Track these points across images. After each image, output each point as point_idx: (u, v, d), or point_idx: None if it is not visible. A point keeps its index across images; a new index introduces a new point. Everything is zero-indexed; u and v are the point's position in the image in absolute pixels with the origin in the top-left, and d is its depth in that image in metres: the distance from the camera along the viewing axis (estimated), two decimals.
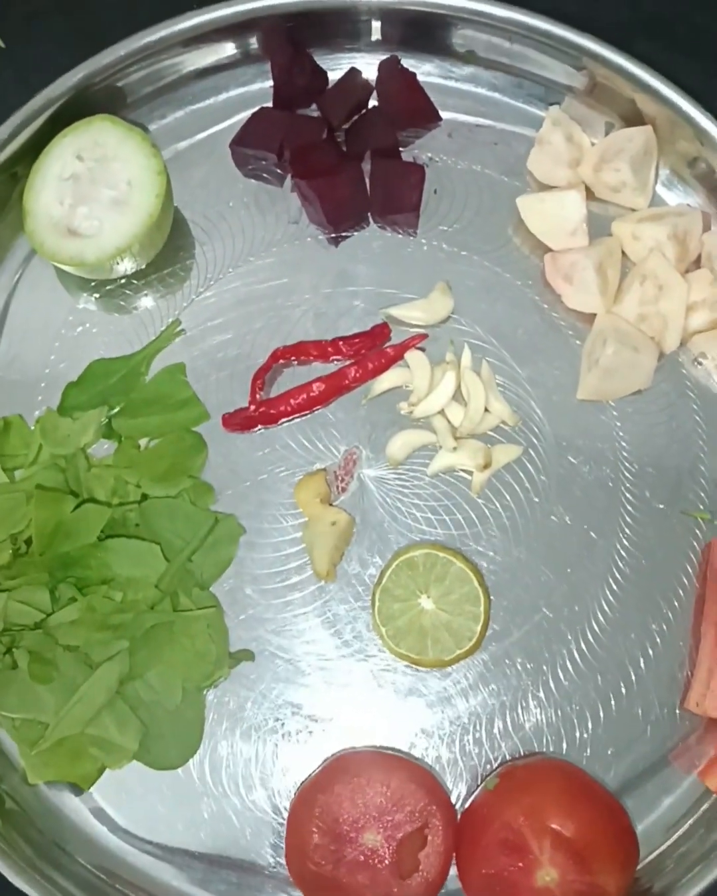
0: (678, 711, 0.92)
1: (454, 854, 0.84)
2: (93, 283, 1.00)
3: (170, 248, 1.00)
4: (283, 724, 0.92)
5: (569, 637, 0.93)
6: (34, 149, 0.95)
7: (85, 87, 0.97)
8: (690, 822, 0.89)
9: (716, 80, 1.01)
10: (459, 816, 0.86)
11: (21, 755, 0.90)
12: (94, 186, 0.93)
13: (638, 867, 0.87)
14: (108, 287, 1.00)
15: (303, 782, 0.89)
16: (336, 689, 0.92)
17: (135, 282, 1.00)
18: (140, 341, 0.99)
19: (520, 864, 0.79)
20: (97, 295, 1.00)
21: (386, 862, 0.82)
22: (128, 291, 1.00)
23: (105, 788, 0.92)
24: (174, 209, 1.00)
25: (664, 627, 0.93)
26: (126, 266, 0.96)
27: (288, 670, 0.93)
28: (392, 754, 0.88)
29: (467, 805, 0.88)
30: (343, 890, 0.82)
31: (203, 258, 1.01)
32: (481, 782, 0.89)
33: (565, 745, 0.91)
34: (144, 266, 0.98)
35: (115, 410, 0.97)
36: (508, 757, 0.90)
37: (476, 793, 0.88)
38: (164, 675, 0.90)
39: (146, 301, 1.00)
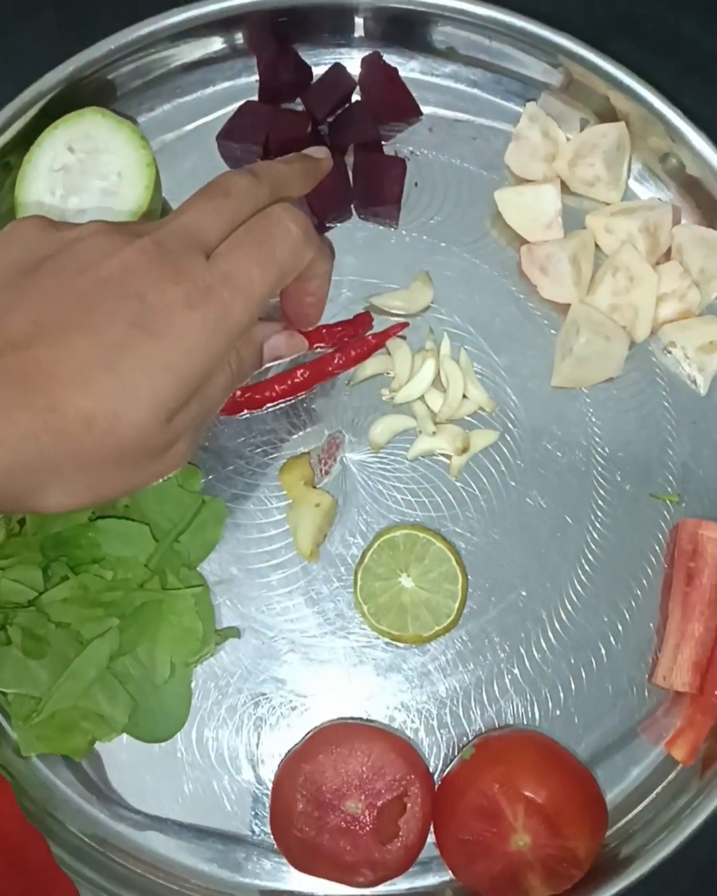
0: (646, 685, 0.96)
1: (432, 821, 0.88)
2: None
3: None
4: (267, 699, 0.95)
5: (543, 615, 0.97)
6: (25, 140, 0.97)
7: (76, 79, 0.99)
8: (657, 790, 0.93)
9: (687, 78, 1.04)
10: (437, 785, 0.90)
11: (14, 728, 0.93)
12: (85, 177, 0.96)
13: (608, 833, 0.91)
14: None
15: (287, 753, 0.92)
16: (319, 665, 0.96)
17: None
18: None
19: (494, 830, 0.83)
20: None
21: (367, 828, 0.85)
22: None
23: (95, 761, 0.95)
24: (162, 200, 1.03)
25: (634, 605, 0.97)
26: None
27: (272, 647, 0.96)
28: (373, 726, 0.92)
29: (444, 774, 0.92)
30: (326, 855, 0.85)
31: None
32: (458, 753, 0.93)
33: (538, 718, 0.95)
34: None
35: None
36: (483, 729, 0.94)
37: (453, 763, 0.92)
38: (153, 651, 0.94)
39: None
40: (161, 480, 0.74)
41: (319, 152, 0.83)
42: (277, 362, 0.78)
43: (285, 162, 0.78)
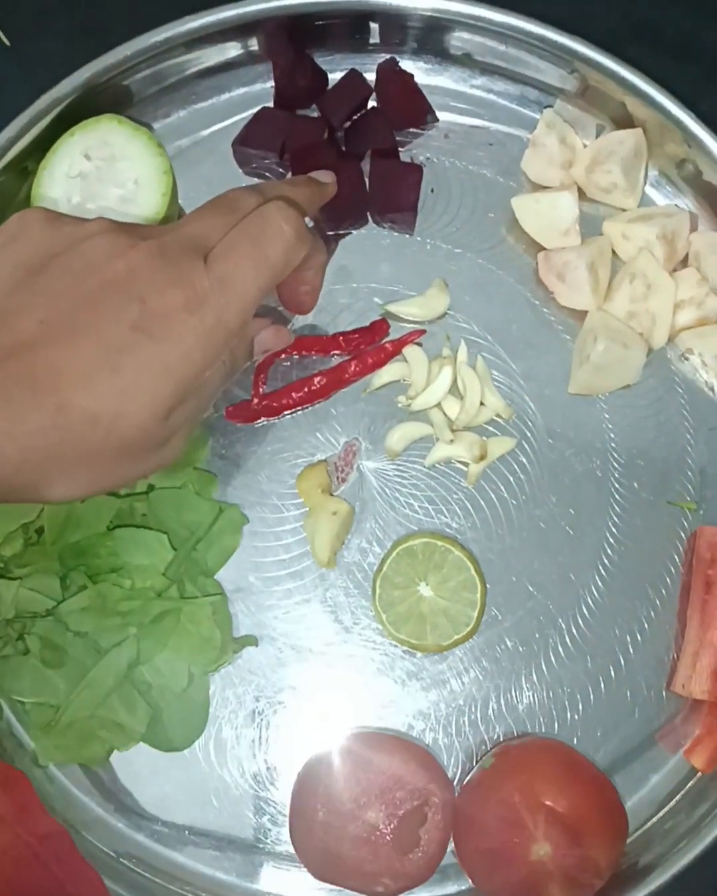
0: (664, 693, 0.96)
1: (452, 830, 0.87)
2: None
3: None
4: (285, 707, 0.95)
5: (560, 622, 0.96)
6: (42, 145, 0.97)
7: (92, 86, 0.98)
8: (676, 798, 0.93)
9: (704, 85, 1.04)
10: (456, 794, 0.90)
11: (31, 738, 0.93)
12: (102, 185, 0.95)
13: (627, 842, 0.91)
14: None
15: (306, 763, 0.92)
16: (337, 673, 0.96)
17: None
18: None
19: (515, 839, 0.83)
20: None
21: (388, 838, 0.85)
22: None
23: (114, 770, 0.95)
24: (180, 206, 1.03)
25: (652, 613, 0.97)
26: None
27: (290, 655, 0.96)
28: (392, 735, 0.92)
29: (464, 783, 0.92)
30: (347, 865, 0.85)
31: None
32: (477, 762, 0.93)
33: (556, 726, 0.95)
34: None
35: None
36: (502, 737, 0.94)
37: (473, 772, 0.92)
38: (170, 659, 0.93)
39: None
40: (163, 472, 0.78)
41: (326, 176, 0.86)
42: (264, 353, 0.81)
43: (292, 184, 0.80)
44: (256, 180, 1.04)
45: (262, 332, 0.80)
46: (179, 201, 1.03)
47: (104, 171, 0.96)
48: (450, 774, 0.92)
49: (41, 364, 0.60)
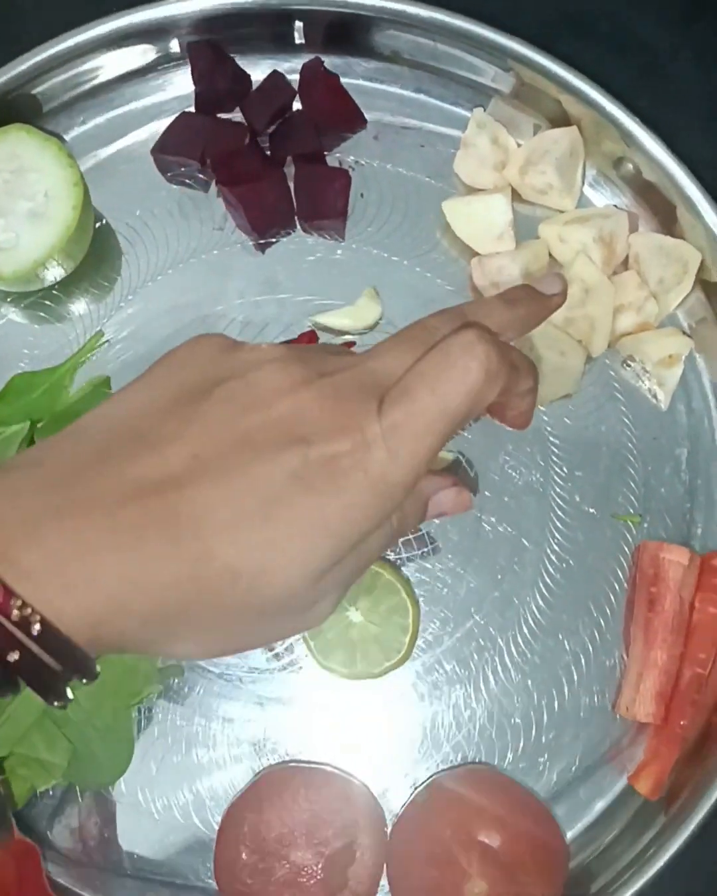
0: (611, 714, 0.92)
1: (385, 867, 0.83)
2: (13, 295, 0.98)
3: (93, 257, 0.98)
4: (214, 740, 0.91)
5: (501, 644, 0.93)
6: None
7: (1, 96, 0.94)
8: (621, 825, 0.89)
9: (641, 79, 1.00)
10: (390, 829, 0.86)
11: None
12: (11, 198, 0.91)
13: (570, 872, 0.87)
14: (29, 298, 0.98)
15: (232, 800, 0.88)
16: (268, 703, 0.92)
17: (56, 293, 0.98)
18: (64, 353, 0.97)
19: (449, 878, 0.79)
20: (18, 306, 0.98)
21: (316, 879, 0.81)
22: (50, 302, 0.98)
23: (35, 808, 0.91)
24: (99, 217, 0.99)
25: (596, 632, 0.93)
26: (49, 276, 0.94)
27: (219, 685, 0.92)
28: (321, 769, 0.88)
29: (397, 817, 0.87)
30: None
31: (127, 267, 0.99)
32: (413, 793, 0.89)
33: (497, 753, 0.91)
34: (64, 276, 0.96)
35: (39, 425, 0.95)
36: (440, 766, 0.90)
37: (405, 805, 0.88)
38: (92, 693, 0.89)
39: (69, 311, 0.98)
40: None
41: (554, 285, 0.69)
42: (439, 516, 0.71)
43: (509, 303, 0.64)
44: (178, 188, 1.00)
45: (440, 493, 0.72)
46: (102, 211, 0.99)
47: (13, 184, 0.91)
48: (386, 807, 0.88)
49: (186, 505, 0.52)
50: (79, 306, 0.99)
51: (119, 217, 1.00)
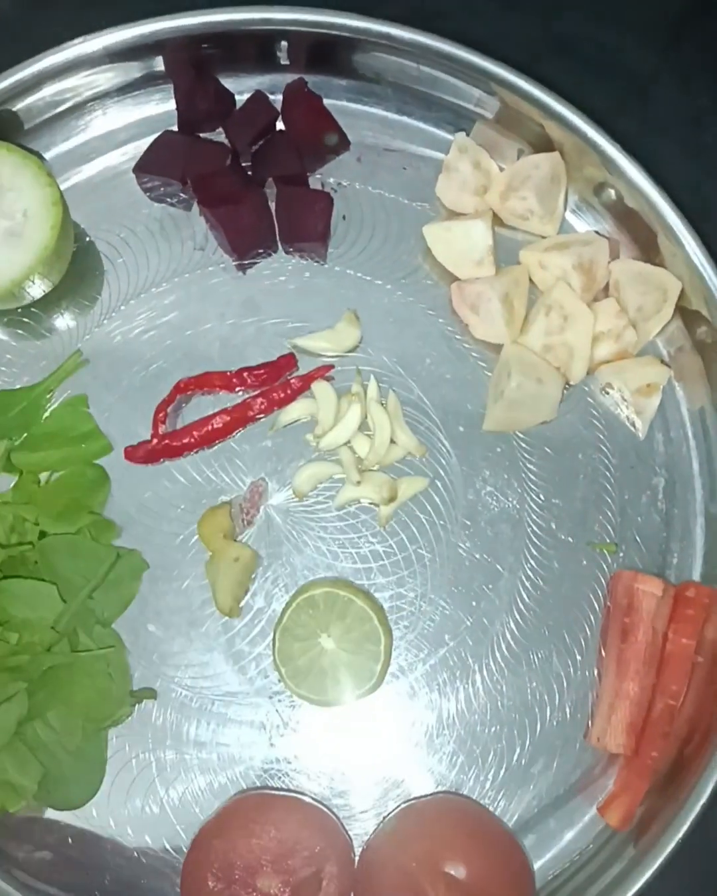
0: (582, 744, 0.91)
1: (353, 894, 0.83)
2: None
3: (74, 274, 0.98)
4: (186, 764, 0.91)
5: (474, 670, 0.92)
6: None
7: None
8: (589, 856, 0.89)
9: (623, 103, 1.00)
10: (357, 858, 0.85)
11: None
12: None
13: None
14: (7, 316, 0.98)
15: (200, 827, 0.87)
16: (240, 728, 0.91)
17: (35, 310, 0.98)
18: (42, 370, 0.97)
19: None
20: None
21: None
22: (29, 320, 0.98)
23: (4, 829, 0.90)
24: (81, 234, 0.98)
25: (570, 661, 0.93)
26: (28, 294, 0.94)
27: (191, 708, 0.92)
28: (289, 796, 0.87)
29: (364, 847, 0.87)
30: None
31: (107, 286, 0.99)
32: (381, 821, 0.88)
33: (469, 781, 0.91)
34: (44, 294, 0.95)
35: (16, 443, 0.95)
36: (410, 795, 0.90)
37: (373, 834, 0.87)
38: (63, 715, 0.89)
39: (48, 329, 0.98)
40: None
41: None
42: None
43: None
44: (160, 207, 0.99)
45: None
46: (83, 228, 0.99)
47: None
48: (354, 833, 0.88)
49: None
50: (58, 323, 0.98)
51: (101, 235, 0.99)
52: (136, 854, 0.90)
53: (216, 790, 0.90)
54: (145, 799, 0.90)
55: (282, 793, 0.87)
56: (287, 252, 0.99)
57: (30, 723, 0.88)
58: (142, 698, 0.91)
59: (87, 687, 0.89)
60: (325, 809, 0.86)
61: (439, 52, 0.95)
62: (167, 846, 0.89)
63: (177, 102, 0.98)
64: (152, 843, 0.90)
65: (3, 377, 0.97)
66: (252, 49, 0.99)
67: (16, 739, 0.87)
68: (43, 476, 0.94)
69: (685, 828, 0.83)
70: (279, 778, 0.90)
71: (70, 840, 0.90)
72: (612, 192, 0.96)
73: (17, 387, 0.96)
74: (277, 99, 1.00)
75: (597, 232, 0.99)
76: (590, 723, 0.91)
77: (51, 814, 0.90)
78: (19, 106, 0.96)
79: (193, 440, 0.94)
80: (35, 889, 0.90)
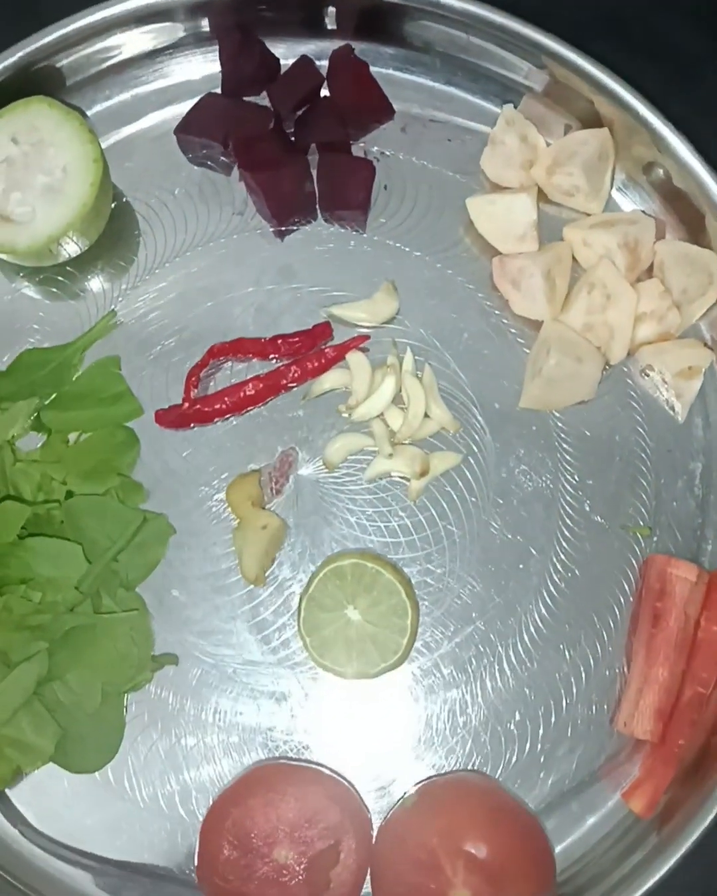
0: (609, 729, 0.90)
1: (369, 870, 0.82)
2: (26, 269, 0.96)
3: (110, 235, 0.97)
4: (204, 731, 0.90)
5: (500, 650, 0.91)
6: None
7: (24, 66, 0.93)
8: (611, 842, 0.88)
9: (673, 84, 0.98)
10: (376, 832, 0.84)
11: None
12: (29, 171, 0.90)
13: (558, 883, 0.86)
14: (43, 273, 0.97)
15: (218, 794, 0.87)
16: (261, 698, 0.90)
17: (71, 269, 0.97)
18: (75, 330, 0.96)
19: (432, 886, 0.78)
20: (32, 281, 0.97)
21: (298, 879, 0.80)
22: (64, 279, 0.97)
23: (21, 789, 0.90)
24: (119, 195, 0.97)
25: (598, 644, 0.91)
26: (64, 252, 0.93)
27: (213, 676, 0.91)
28: (309, 767, 0.86)
29: (385, 820, 0.86)
30: None
31: (144, 247, 0.98)
32: (402, 797, 0.87)
33: (491, 761, 0.89)
34: (79, 253, 0.94)
35: (46, 402, 0.94)
36: (431, 771, 0.89)
37: (393, 809, 0.86)
38: (83, 677, 0.88)
39: (83, 289, 0.97)
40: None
41: None
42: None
43: None
44: (200, 169, 0.98)
45: None
46: (121, 189, 0.98)
47: (32, 157, 0.90)
48: (373, 809, 0.87)
49: None
50: (93, 284, 0.97)
51: (139, 196, 0.98)
52: (149, 818, 0.89)
53: (234, 759, 0.89)
54: (163, 764, 0.89)
55: (302, 764, 0.86)
56: (327, 220, 0.97)
57: (49, 683, 0.87)
58: (163, 663, 0.90)
59: (108, 649, 0.88)
60: (345, 782, 0.85)
61: (491, 22, 0.94)
62: (182, 812, 0.89)
63: (222, 64, 0.97)
64: (168, 808, 0.89)
65: (35, 336, 0.96)
66: (300, 13, 0.98)
67: (34, 699, 0.86)
68: (72, 436, 0.93)
69: (710, 817, 0.82)
70: (298, 750, 0.89)
71: (84, 802, 0.89)
72: (661, 171, 0.95)
73: (50, 346, 0.95)
74: (323, 65, 0.98)
75: (643, 211, 0.97)
76: (617, 708, 0.89)
77: (66, 775, 0.88)
78: (64, 62, 0.95)
79: (224, 406, 0.93)
80: (49, 850, 0.89)
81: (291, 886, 0.79)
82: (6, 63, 0.92)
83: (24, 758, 0.87)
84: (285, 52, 0.99)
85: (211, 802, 0.87)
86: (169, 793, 0.89)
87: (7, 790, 0.90)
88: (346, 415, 0.94)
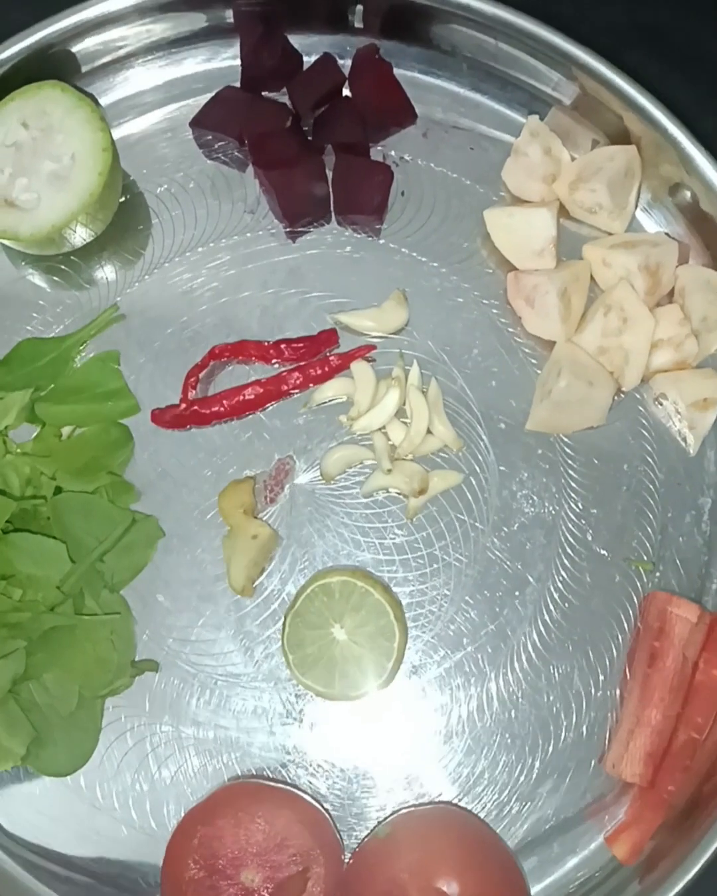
0: (597, 768, 0.87)
1: None
2: (30, 257, 0.94)
3: (118, 226, 0.94)
4: (181, 742, 0.87)
5: (490, 679, 0.88)
6: None
7: (41, 49, 0.90)
8: (591, 886, 0.85)
9: (707, 99, 0.94)
10: (349, 859, 0.81)
11: None
12: (36, 157, 0.87)
13: None
14: (48, 261, 0.94)
15: (187, 810, 0.84)
16: (241, 712, 0.88)
17: (76, 259, 0.94)
18: (76, 322, 0.94)
19: None
20: (37, 268, 0.95)
21: None
22: (68, 269, 0.94)
23: None
24: (129, 186, 0.95)
25: (591, 680, 0.88)
26: (69, 241, 0.90)
27: (193, 686, 0.88)
28: (283, 789, 0.83)
29: (356, 849, 0.83)
30: None
31: (152, 241, 0.95)
32: (377, 825, 0.84)
33: (472, 793, 0.86)
34: (85, 242, 0.92)
35: (41, 394, 0.92)
36: (409, 800, 0.86)
37: (367, 838, 0.83)
38: (61, 679, 0.86)
39: (87, 280, 0.95)
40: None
41: None
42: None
43: None
44: (213, 164, 0.96)
45: None
46: (133, 180, 0.95)
47: (40, 143, 0.87)
48: (346, 835, 0.84)
49: None
50: (98, 275, 0.95)
51: (150, 188, 0.96)
52: (122, 828, 0.87)
53: (210, 773, 0.87)
54: (136, 773, 0.87)
55: (276, 785, 0.83)
56: (340, 223, 0.94)
57: (25, 683, 0.85)
58: (143, 670, 0.88)
59: (87, 652, 0.86)
60: (318, 807, 0.83)
61: (522, 29, 0.91)
62: (153, 824, 0.86)
63: (242, 57, 0.94)
64: (139, 819, 0.86)
65: (35, 325, 0.94)
66: (325, 8, 0.95)
67: (9, 699, 0.84)
68: (65, 431, 0.91)
69: (695, 869, 0.79)
70: (275, 769, 0.86)
71: (54, 807, 0.87)
72: (688, 193, 0.91)
73: (49, 336, 0.93)
74: (345, 64, 0.95)
75: (667, 234, 0.93)
76: (607, 747, 0.86)
77: (37, 777, 0.86)
78: (78, 47, 0.93)
79: (223, 409, 0.90)
80: (14, 853, 0.87)
81: None
82: (21, 46, 0.89)
83: None
84: (307, 48, 0.96)
85: (181, 815, 0.85)
86: (140, 802, 0.87)
87: None
88: (347, 426, 0.91)
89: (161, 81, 0.97)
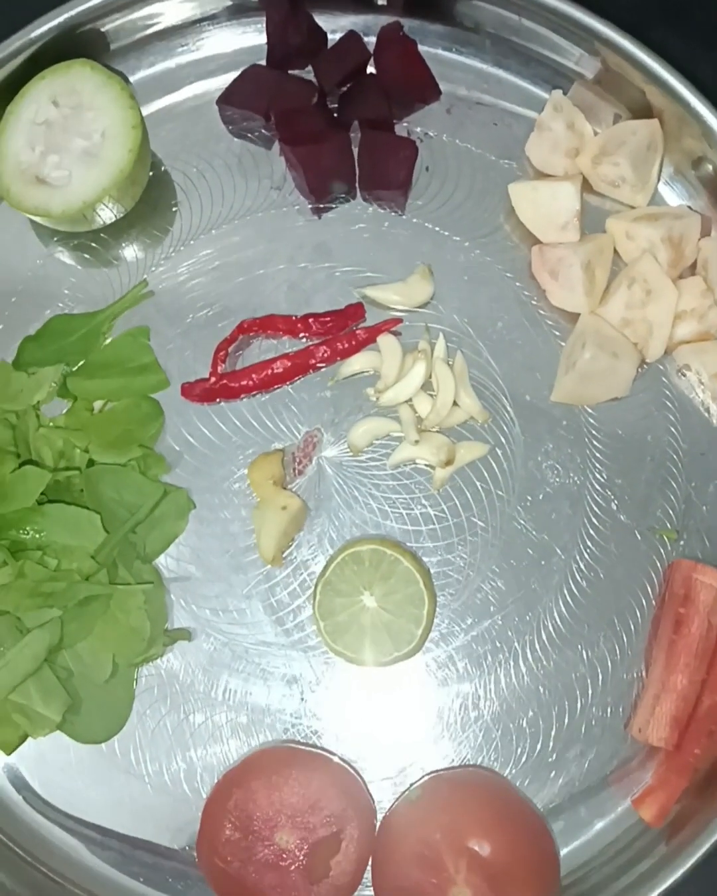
0: (623, 733, 0.88)
1: (371, 860, 0.81)
2: (60, 234, 0.95)
3: (146, 203, 0.96)
4: (213, 709, 0.89)
5: (517, 647, 0.89)
6: (11, 89, 0.90)
7: (70, 28, 0.91)
8: (618, 849, 0.86)
9: None
10: (380, 823, 0.83)
11: None
12: (67, 135, 0.89)
13: (559, 892, 0.84)
14: (77, 239, 0.96)
15: (223, 774, 0.86)
16: (272, 679, 0.89)
17: (105, 236, 0.95)
18: (106, 298, 0.95)
19: (433, 881, 0.77)
20: (66, 245, 0.96)
21: (297, 864, 0.79)
22: (97, 245, 0.96)
23: (26, 756, 0.89)
24: (157, 163, 0.96)
25: (617, 646, 0.89)
26: (98, 218, 0.92)
27: (225, 654, 0.90)
28: (316, 753, 0.85)
29: (388, 812, 0.85)
30: (249, 888, 0.79)
31: (180, 218, 0.97)
32: (408, 787, 0.86)
33: (500, 757, 0.88)
34: (114, 220, 0.93)
35: (73, 369, 0.93)
36: (439, 765, 0.87)
37: (398, 801, 0.85)
38: (95, 648, 0.87)
39: (116, 256, 0.96)
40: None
41: None
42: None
43: None
44: (240, 142, 0.97)
45: None
46: (160, 157, 0.97)
47: (71, 120, 0.89)
48: (377, 799, 0.86)
49: None
50: (126, 252, 0.96)
51: (177, 166, 0.97)
52: (153, 794, 0.88)
53: (242, 739, 0.88)
54: (170, 740, 0.88)
55: (308, 749, 0.85)
56: (366, 199, 0.96)
57: (60, 652, 0.86)
58: (176, 639, 0.89)
59: (121, 622, 0.87)
60: (351, 770, 0.84)
61: (544, 5, 0.91)
62: (187, 790, 0.88)
63: (268, 35, 0.95)
64: (172, 785, 0.88)
65: (65, 302, 0.95)
66: None
67: (45, 667, 0.86)
68: (97, 405, 0.92)
69: None
70: (306, 734, 0.88)
71: (89, 774, 0.89)
72: (710, 166, 0.92)
73: (79, 312, 0.94)
74: (370, 41, 0.96)
75: (690, 207, 0.94)
76: (633, 713, 0.87)
77: (73, 745, 0.88)
78: (108, 26, 0.94)
79: (251, 383, 0.92)
80: (53, 819, 0.89)
81: (291, 871, 0.78)
82: (50, 24, 0.91)
83: (31, 725, 0.87)
84: (332, 26, 0.97)
85: (215, 781, 0.86)
86: (174, 769, 0.88)
87: (13, 756, 0.89)
88: (373, 398, 0.92)
89: (188, 60, 0.98)
